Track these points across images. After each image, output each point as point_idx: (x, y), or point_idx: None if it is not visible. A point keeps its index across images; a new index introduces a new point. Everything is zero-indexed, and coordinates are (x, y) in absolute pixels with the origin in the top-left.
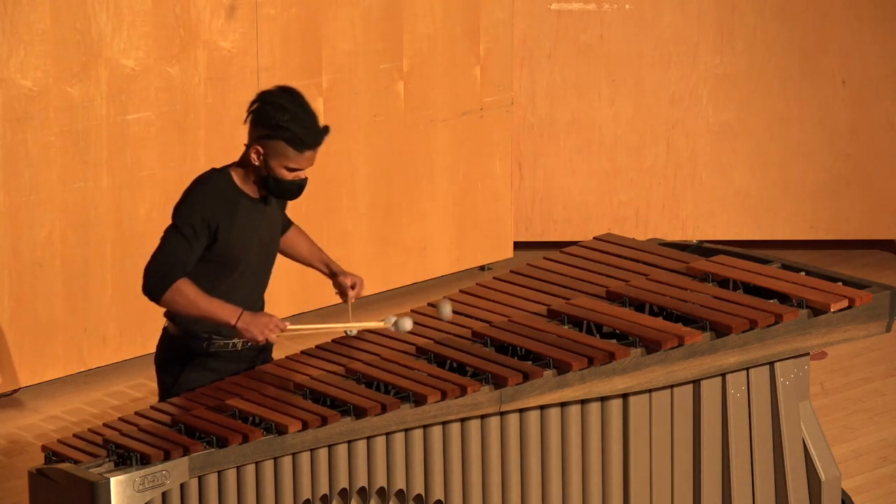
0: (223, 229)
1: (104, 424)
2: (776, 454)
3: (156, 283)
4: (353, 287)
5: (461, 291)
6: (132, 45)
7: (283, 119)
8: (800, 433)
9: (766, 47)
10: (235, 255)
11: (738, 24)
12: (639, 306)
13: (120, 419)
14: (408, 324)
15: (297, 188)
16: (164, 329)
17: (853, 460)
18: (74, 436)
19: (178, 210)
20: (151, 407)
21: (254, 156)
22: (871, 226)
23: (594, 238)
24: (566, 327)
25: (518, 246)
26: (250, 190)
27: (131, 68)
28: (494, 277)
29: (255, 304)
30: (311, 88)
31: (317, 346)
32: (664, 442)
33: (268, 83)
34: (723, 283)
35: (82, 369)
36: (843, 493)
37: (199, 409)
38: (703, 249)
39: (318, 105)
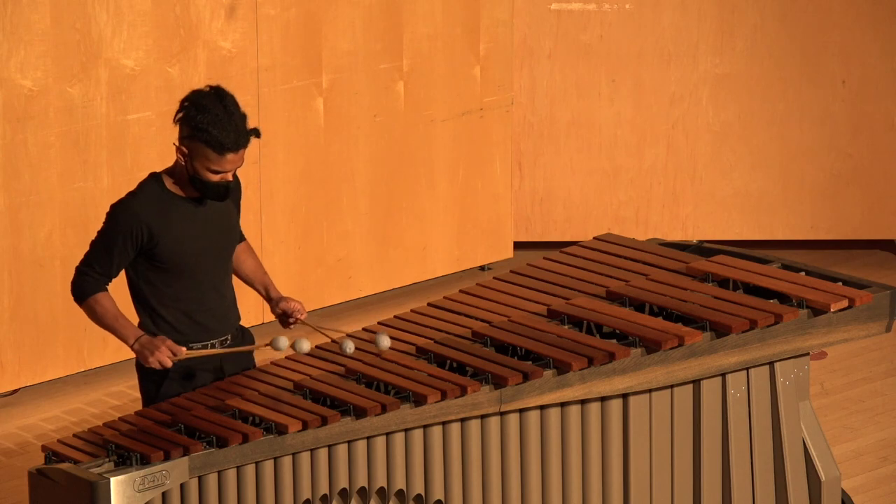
0: (157, 235)
1: (104, 424)
2: (776, 454)
3: (75, 291)
4: (299, 312)
5: (461, 291)
6: (132, 45)
7: (203, 121)
8: (800, 433)
9: (766, 47)
10: (179, 259)
11: (738, 24)
12: (639, 306)
13: (120, 419)
14: (305, 346)
15: (223, 189)
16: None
17: (853, 460)
18: (74, 436)
19: (109, 218)
20: (152, 407)
21: (179, 156)
22: (871, 226)
23: (594, 238)
24: (566, 327)
25: (518, 246)
26: (186, 190)
27: (131, 68)
28: (494, 277)
29: (220, 301)
30: (311, 88)
31: (317, 346)
32: (664, 442)
33: (268, 83)
34: (723, 283)
35: (82, 369)
36: (843, 493)
37: (199, 409)
38: (703, 249)
39: (317, 105)
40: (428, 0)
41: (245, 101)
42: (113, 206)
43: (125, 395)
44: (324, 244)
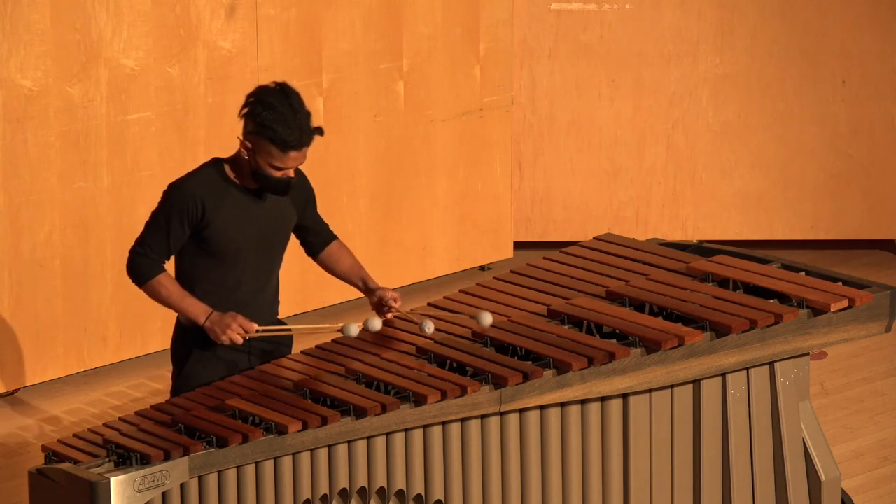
0: (210, 216)
1: (104, 424)
2: (776, 454)
3: (134, 273)
4: (395, 300)
5: (461, 291)
6: (132, 45)
7: (268, 118)
8: (800, 433)
9: (766, 47)
10: (226, 245)
11: (738, 24)
12: (639, 306)
13: (120, 419)
14: (377, 324)
15: (283, 185)
16: (177, 319)
17: (853, 460)
18: (74, 436)
19: (165, 197)
20: (151, 407)
21: (243, 150)
22: (871, 226)
23: (594, 238)
24: (566, 327)
25: (518, 246)
26: (245, 181)
27: (131, 68)
28: (494, 277)
29: (256, 294)
30: (311, 88)
31: (317, 346)
32: (664, 442)
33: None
34: (723, 283)
35: (82, 369)
36: (843, 493)
37: (199, 409)
38: (703, 249)
39: (317, 105)
40: (428, 0)
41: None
42: (169, 185)
43: (125, 395)
44: None
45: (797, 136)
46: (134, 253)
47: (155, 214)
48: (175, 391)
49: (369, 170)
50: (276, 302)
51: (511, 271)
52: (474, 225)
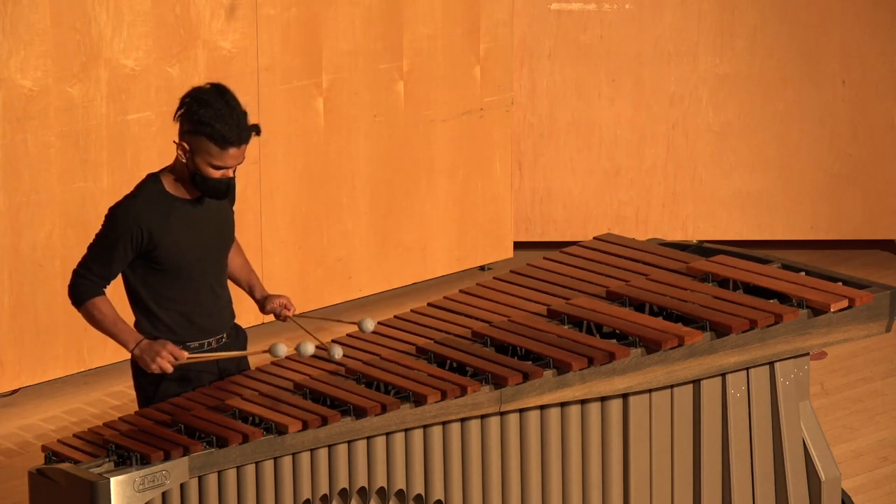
0: (157, 238)
1: (104, 424)
2: (776, 454)
3: (73, 294)
4: (286, 307)
5: (461, 291)
6: (132, 45)
7: (205, 115)
8: (800, 433)
9: (766, 47)
10: (178, 261)
11: (738, 24)
12: (639, 306)
13: (120, 419)
14: (309, 348)
15: (223, 186)
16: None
17: (853, 460)
18: (74, 436)
19: (107, 220)
20: (151, 407)
21: (180, 152)
22: (871, 226)
23: (594, 238)
24: (566, 327)
25: (518, 246)
26: (185, 192)
27: (131, 68)
28: (494, 277)
29: (215, 300)
30: (311, 88)
31: (317, 347)
32: (664, 442)
33: (268, 83)
34: (723, 283)
35: (82, 369)
36: (843, 493)
37: (199, 409)
38: (703, 249)
39: (317, 105)
40: (428, 0)
41: (245, 101)
42: (112, 209)
43: (125, 395)
44: (324, 244)
45: (797, 136)
46: (75, 274)
47: (97, 238)
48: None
49: (369, 170)
50: (231, 301)
51: (511, 271)
52: (474, 225)
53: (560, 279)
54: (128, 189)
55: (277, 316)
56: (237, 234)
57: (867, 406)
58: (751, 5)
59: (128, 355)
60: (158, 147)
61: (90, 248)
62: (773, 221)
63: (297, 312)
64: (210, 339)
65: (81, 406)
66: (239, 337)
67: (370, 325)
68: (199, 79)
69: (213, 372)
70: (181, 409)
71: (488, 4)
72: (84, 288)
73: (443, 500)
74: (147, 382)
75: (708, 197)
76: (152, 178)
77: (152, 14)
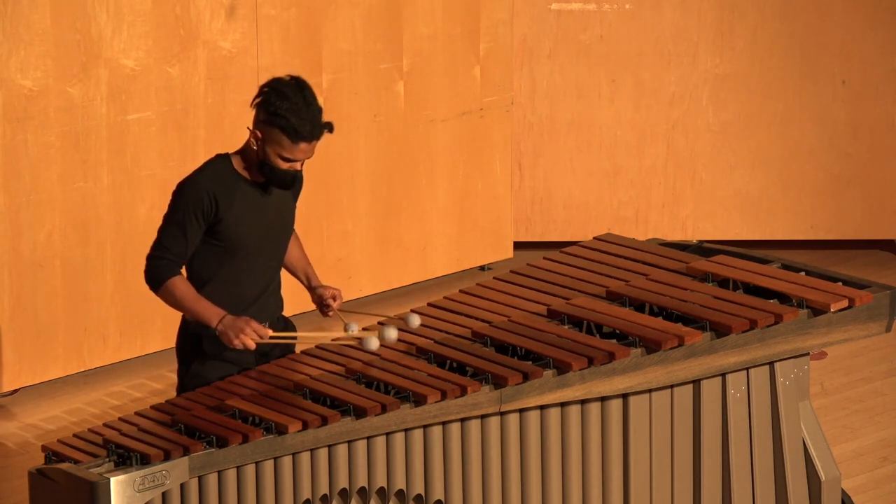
0: (222, 213)
1: (104, 424)
2: (776, 454)
3: (151, 278)
4: (333, 298)
5: (461, 291)
6: (132, 45)
7: (281, 107)
8: (800, 433)
9: (766, 47)
10: (237, 239)
11: (738, 24)
12: (639, 306)
13: (120, 419)
14: (373, 343)
15: (290, 178)
16: (182, 318)
17: (853, 460)
18: (74, 436)
19: (176, 196)
20: (151, 407)
21: (252, 140)
22: (871, 226)
23: (594, 238)
24: (566, 327)
25: (518, 246)
26: (252, 175)
27: (131, 68)
28: (494, 277)
29: (265, 287)
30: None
31: (317, 347)
32: (664, 442)
33: None
34: (723, 283)
35: (82, 369)
36: (843, 493)
37: (199, 409)
38: (703, 249)
39: None
40: (428, 0)
41: (245, 101)
42: (180, 184)
43: (125, 395)
44: (324, 244)
45: (797, 136)
46: (151, 258)
47: (169, 215)
48: (182, 388)
49: (369, 170)
50: (281, 296)
51: (511, 271)
52: (474, 225)
53: (560, 279)
54: (128, 189)
55: (321, 308)
56: None
57: (867, 406)
58: (751, 5)
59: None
60: (158, 147)
61: (161, 229)
62: (773, 221)
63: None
64: None
65: (81, 406)
66: (287, 328)
67: (416, 320)
68: (199, 79)
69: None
70: (181, 409)
71: (488, 4)
72: (162, 269)
73: (443, 500)
74: (183, 364)
75: (708, 197)
76: (221, 157)
77: (152, 14)
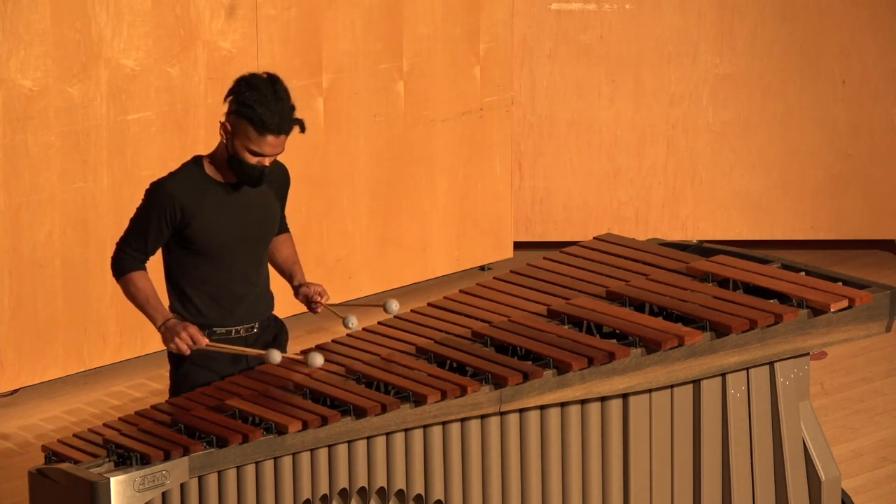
0: (190, 216)
1: (104, 424)
2: (776, 454)
3: (114, 268)
4: (320, 295)
5: (461, 291)
6: (132, 45)
7: (251, 98)
8: (800, 433)
9: (766, 47)
10: (209, 241)
11: (738, 24)
12: (639, 306)
13: (120, 419)
14: (318, 360)
15: (257, 174)
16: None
17: (853, 460)
18: (74, 436)
19: (146, 197)
20: (151, 407)
21: (222, 132)
22: (871, 226)
23: (594, 238)
24: (566, 327)
25: (518, 246)
26: (224, 176)
27: (131, 68)
28: (494, 277)
29: (249, 288)
30: (311, 88)
31: (317, 346)
32: (664, 442)
33: None
34: (723, 283)
35: (82, 369)
36: (843, 493)
37: (199, 409)
38: (703, 249)
39: (317, 105)
40: (428, 0)
41: None
42: (152, 185)
43: (125, 395)
44: (324, 244)
45: (797, 136)
46: (117, 248)
47: (136, 214)
48: (174, 390)
49: (369, 170)
50: (271, 295)
51: (511, 271)
52: (474, 225)
53: (560, 279)
54: (128, 189)
55: (309, 305)
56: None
57: (867, 406)
58: (751, 5)
59: (129, 354)
60: (158, 147)
61: (130, 223)
62: (773, 221)
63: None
64: (239, 327)
65: (81, 406)
66: (278, 328)
67: (395, 306)
68: (199, 78)
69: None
70: (181, 409)
71: (488, 4)
72: (123, 262)
73: (443, 500)
74: (175, 366)
75: (708, 197)
76: (194, 160)
77: (152, 14)
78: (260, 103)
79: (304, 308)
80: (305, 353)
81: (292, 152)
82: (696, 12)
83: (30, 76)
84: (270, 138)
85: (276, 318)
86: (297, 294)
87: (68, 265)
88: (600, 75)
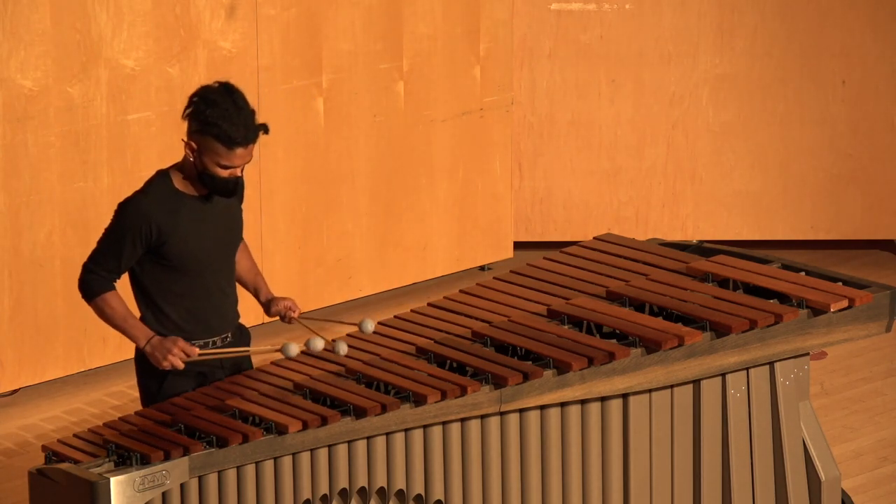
0: (166, 234)
1: (104, 424)
2: (776, 454)
3: (84, 290)
4: (292, 310)
5: (461, 291)
6: (132, 45)
7: (212, 115)
8: (800, 433)
9: (766, 47)
10: (186, 256)
11: (738, 24)
12: (639, 306)
13: (120, 419)
14: (319, 344)
15: (231, 185)
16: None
17: (853, 460)
18: (74, 436)
19: (117, 216)
20: (152, 407)
21: (188, 151)
22: (871, 226)
23: (594, 238)
24: (566, 327)
25: (518, 246)
26: (193, 189)
27: (131, 68)
28: (494, 277)
29: (222, 298)
30: (311, 88)
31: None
32: (664, 442)
33: (268, 83)
34: (723, 283)
35: (82, 369)
36: (843, 493)
37: (199, 409)
38: (703, 249)
39: (317, 105)
40: (428, 0)
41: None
42: (121, 205)
43: (125, 395)
44: (324, 244)
45: (797, 136)
46: (85, 269)
47: (107, 233)
48: (153, 400)
49: (369, 170)
50: (236, 300)
51: (511, 271)
52: (474, 225)
53: (560, 279)
54: (128, 189)
55: (283, 318)
56: (247, 237)
57: (867, 406)
58: (751, 5)
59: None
60: (158, 147)
61: (99, 243)
62: (773, 221)
63: (306, 310)
64: (215, 338)
65: (81, 406)
66: (242, 336)
67: (370, 325)
68: (199, 79)
69: (222, 367)
70: (181, 409)
71: (488, 4)
72: (94, 283)
73: (443, 500)
74: (150, 379)
75: (708, 197)
76: (161, 175)
77: (152, 14)
78: (222, 118)
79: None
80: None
81: (292, 152)
82: (696, 12)
83: (30, 76)
84: (239, 150)
85: (241, 325)
86: (267, 311)
87: (68, 265)
88: (600, 75)
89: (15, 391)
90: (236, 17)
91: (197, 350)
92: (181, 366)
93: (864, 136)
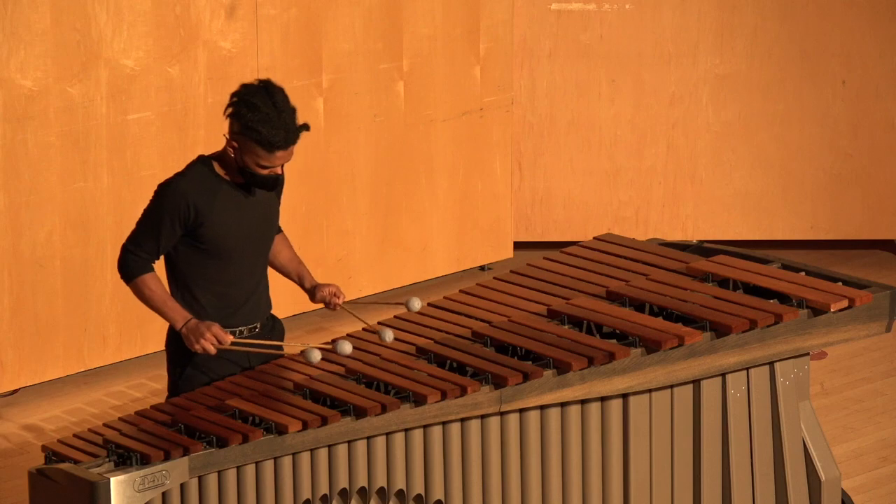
0: (203, 217)
1: (104, 424)
2: (776, 454)
3: (123, 271)
4: (336, 296)
5: (461, 291)
6: (132, 45)
7: (253, 119)
8: (800, 433)
9: (766, 47)
10: (221, 241)
11: (738, 24)
12: (639, 306)
13: (120, 419)
14: (347, 347)
15: (271, 181)
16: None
17: (853, 460)
18: (74, 436)
19: (156, 197)
20: (151, 407)
21: (229, 149)
22: (871, 226)
23: (594, 238)
24: (566, 327)
25: (518, 246)
26: (233, 176)
27: (131, 68)
28: (494, 277)
29: (254, 287)
30: (311, 88)
31: (317, 346)
32: (664, 442)
33: None
34: (723, 283)
35: (82, 369)
36: (843, 493)
37: (199, 409)
38: (703, 249)
39: (317, 105)
40: (428, 0)
41: None
42: (161, 186)
43: (125, 395)
44: (324, 244)
45: (797, 136)
46: (125, 250)
47: (146, 214)
48: (175, 391)
49: (369, 170)
50: (268, 291)
51: (511, 271)
52: (474, 225)
53: (560, 279)
54: (128, 189)
55: (327, 304)
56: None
57: (867, 406)
58: (751, 5)
59: (130, 355)
60: (158, 147)
61: (138, 224)
62: (773, 221)
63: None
64: (243, 328)
65: (81, 406)
66: (275, 327)
67: (417, 304)
68: (199, 79)
69: (242, 363)
70: (181, 409)
71: (488, 4)
72: (133, 265)
73: (443, 500)
74: (176, 367)
75: (708, 197)
76: (202, 160)
77: (152, 14)
78: (263, 123)
79: (303, 308)
80: (334, 341)
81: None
82: (696, 12)
83: (30, 76)
84: (280, 153)
85: (274, 317)
86: (312, 297)
87: (68, 265)
88: (600, 75)
89: (15, 391)
90: (236, 17)
91: (231, 338)
92: (213, 351)
93: (864, 136)
